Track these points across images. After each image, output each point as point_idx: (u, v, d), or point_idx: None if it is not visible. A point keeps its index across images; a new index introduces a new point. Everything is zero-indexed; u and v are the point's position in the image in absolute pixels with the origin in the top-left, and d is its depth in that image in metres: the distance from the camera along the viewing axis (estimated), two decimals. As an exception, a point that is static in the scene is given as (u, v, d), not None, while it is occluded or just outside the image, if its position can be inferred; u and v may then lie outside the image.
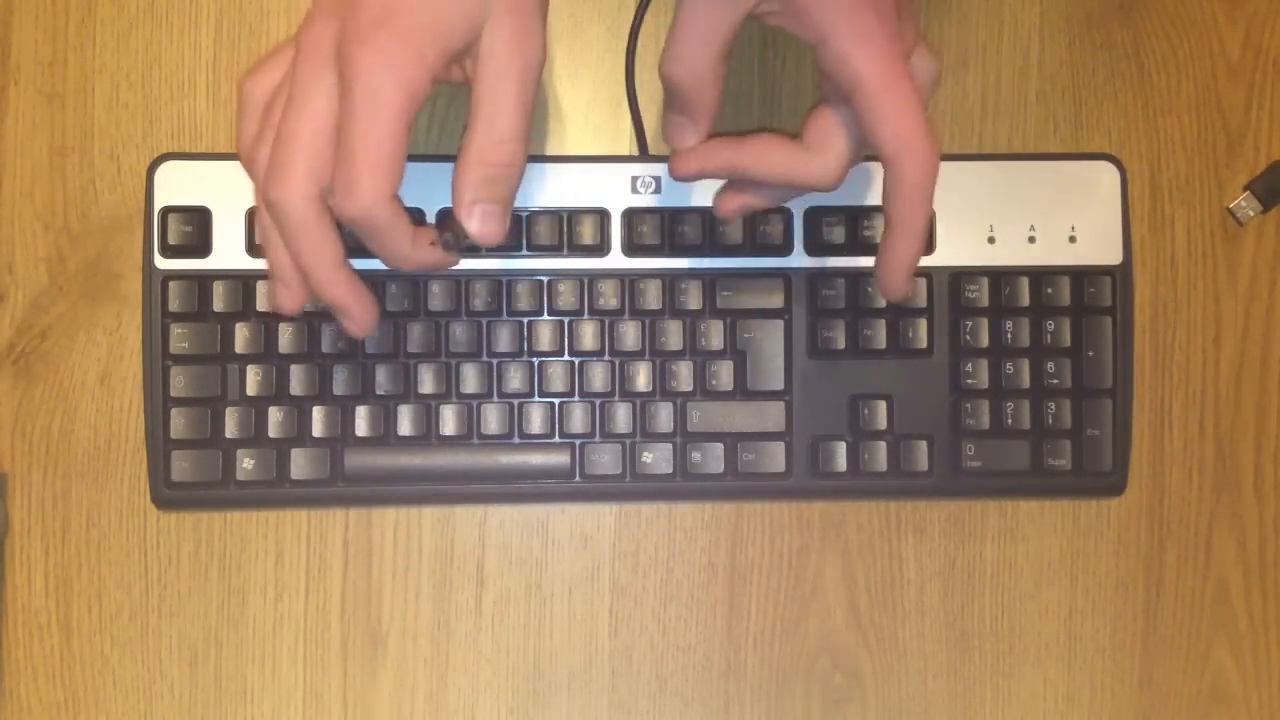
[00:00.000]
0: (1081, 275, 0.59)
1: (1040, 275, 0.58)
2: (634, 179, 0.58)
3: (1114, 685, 0.61)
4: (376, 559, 0.59)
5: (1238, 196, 0.62)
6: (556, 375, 0.57)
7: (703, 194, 0.58)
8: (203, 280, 0.57)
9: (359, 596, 0.59)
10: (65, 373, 0.59)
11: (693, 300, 0.58)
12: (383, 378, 0.57)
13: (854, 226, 0.58)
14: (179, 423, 0.56)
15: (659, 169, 0.58)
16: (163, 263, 0.57)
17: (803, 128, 0.48)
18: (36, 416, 0.59)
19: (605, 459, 0.57)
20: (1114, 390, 0.59)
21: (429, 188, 0.55)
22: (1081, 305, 0.58)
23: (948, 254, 0.58)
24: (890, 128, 0.45)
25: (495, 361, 0.57)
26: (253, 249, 0.57)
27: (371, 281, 0.50)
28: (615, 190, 0.58)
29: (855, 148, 0.48)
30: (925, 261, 0.58)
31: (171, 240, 0.57)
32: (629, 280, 0.58)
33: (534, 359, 0.57)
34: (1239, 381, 0.62)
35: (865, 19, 0.44)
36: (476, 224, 0.45)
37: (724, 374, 0.58)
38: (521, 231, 0.57)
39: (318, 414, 0.57)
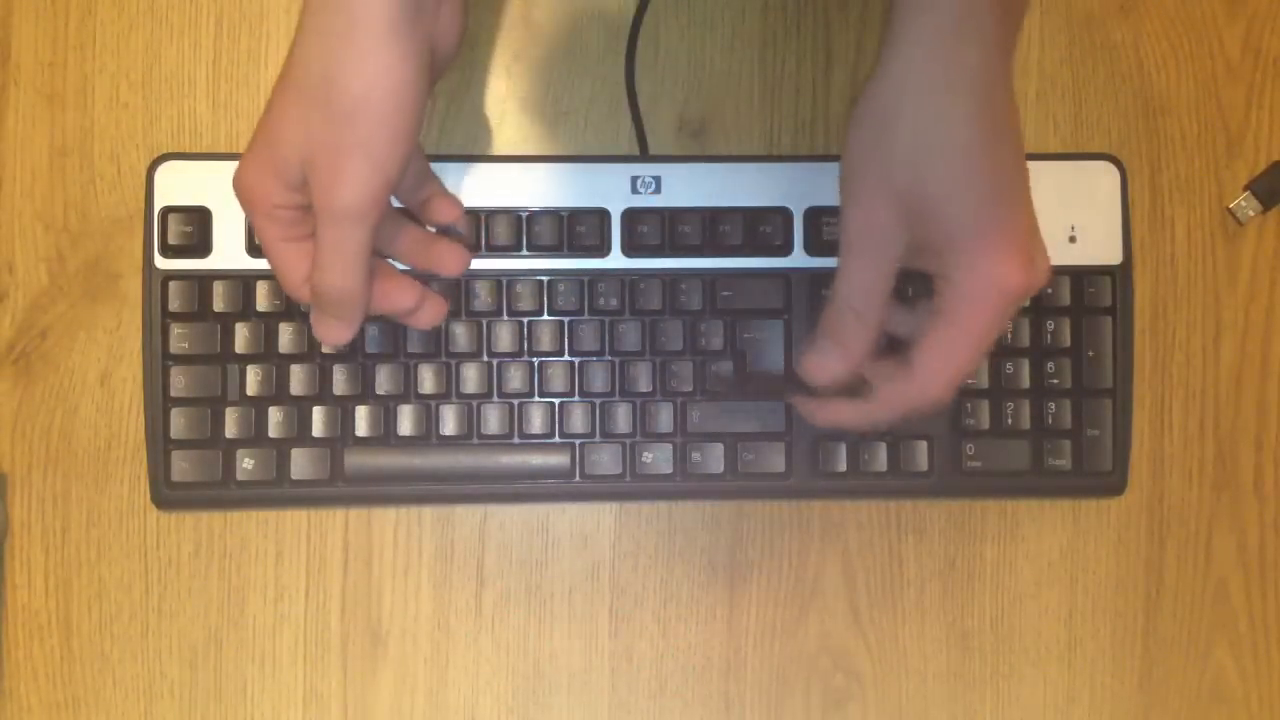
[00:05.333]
0: (1081, 275, 0.59)
1: (1040, 275, 0.58)
2: (634, 179, 0.58)
3: (1114, 685, 0.61)
4: (376, 559, 0.59)
5: (1238, 196, 0.62)
6: (556, 375, 0.57)
7: (703, 194, 0.58)
8: (203, 280, 0.57)
9: (359, 596, 0.59)
10: (65, 373, 0.59)
11: (693, 300, 0.58)
12: (383, 378, 0.57)
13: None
14: (179, 423, 0.56)
15: (659, 169, 0.58)
16: (163, 263, 0.57)
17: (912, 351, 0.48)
18: (36, 416, 0.59)
19: (605, 459, 0.57)
20: (1114, 390, 0.59)
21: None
22: (1081, 305, 0.58)
23: (948, 254, 0.58)
24: (936, 361, 0.47)
25: (495, 361, 0.57)
26: (253, 249, 0.57)
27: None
28: (615, 190, 0.58)
29: (961, 361, 0.48)
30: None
31: (171, 240, 0.57)
32: (629, 280, 0.58)
33: (534, 359, 0.57)
34: (1239, 381, 0.62)
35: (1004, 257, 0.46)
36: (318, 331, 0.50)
37: (723, 382, 0.57)
38: (521, 231, 0.57)
39: (318, 414, 0.57)
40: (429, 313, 0.53)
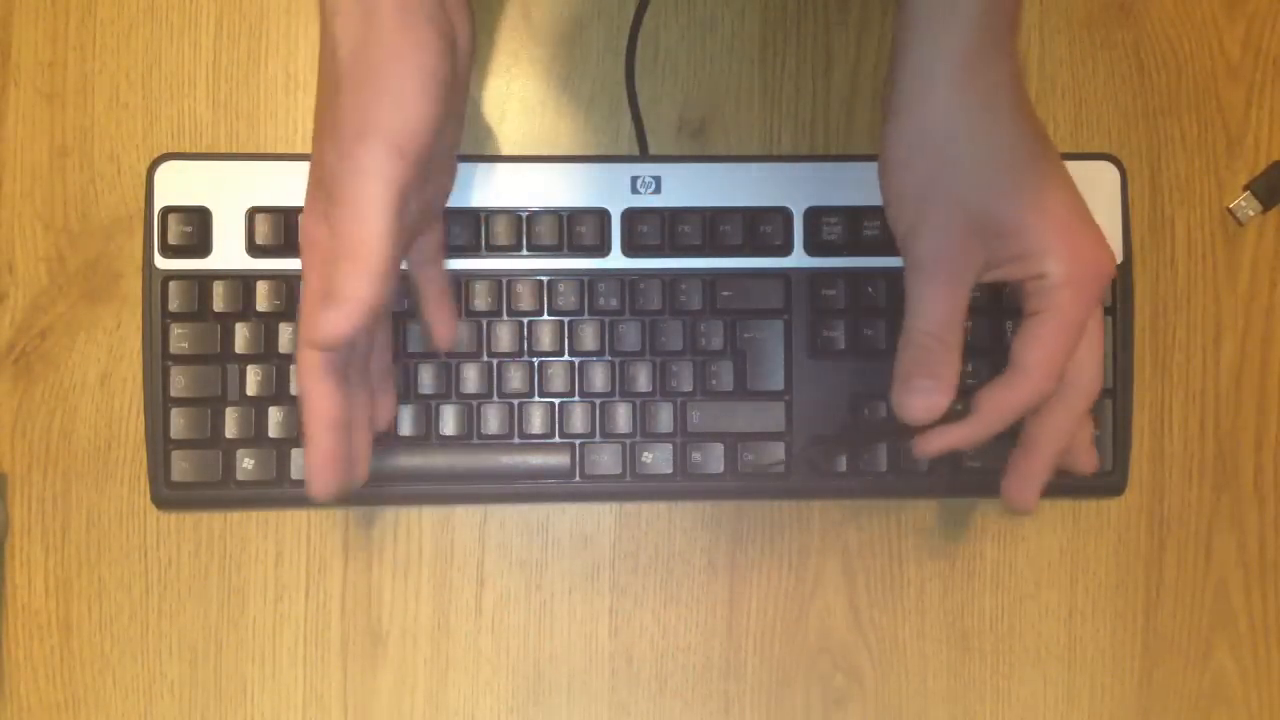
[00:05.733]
0: (1081, 275, 0.59)
1: (1040, 275, 0.58)
2: (634, 179, 0.58)
3: (1114, 685, 0.61)
4: (376, 559, 0.59)
5: (1238, 196, 0.62)
6: (557, 375, 0.57)
7: (703, 194, 0.58)
8: (203, 280, 0.57)
9: (359, 596, 0.59)
10: (65, 373, 0.59)
11: (693, 300, 0.58)
12: (383, 378, 0.57)
13: (854, 226, 0.58)
14: (179, 423, 0.56)
15: (659, 169, 0.58)
16: (163, 263, 0.57)
17: (1012, 351, 0.49)
18: (36, 416, 0.59)
19: (605, 459, 0.57)
20: (1114, 390, 0.59)
21: (429, 188, 0.55)
22: (1081, 305, 0.58)
23: (948, 254, 0.58)
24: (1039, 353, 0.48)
25: (495, 361, 0.57)
26: (253, 249, 0.57)
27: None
28: (615, 190, 0.58)
29: (1058, 353, 0.48)
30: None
31: (171, 240, 0.57)
32: (629, 280, 0.58)
33: (534, 359, 0.57)
34: (1239, 381, 0.62)
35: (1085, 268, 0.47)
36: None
37: (724, 374, 0.58)
38: (521, 231, 0.57)
39: (318, 414, 0.57)
40: (385, 411, 0.52)
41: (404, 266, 0.54)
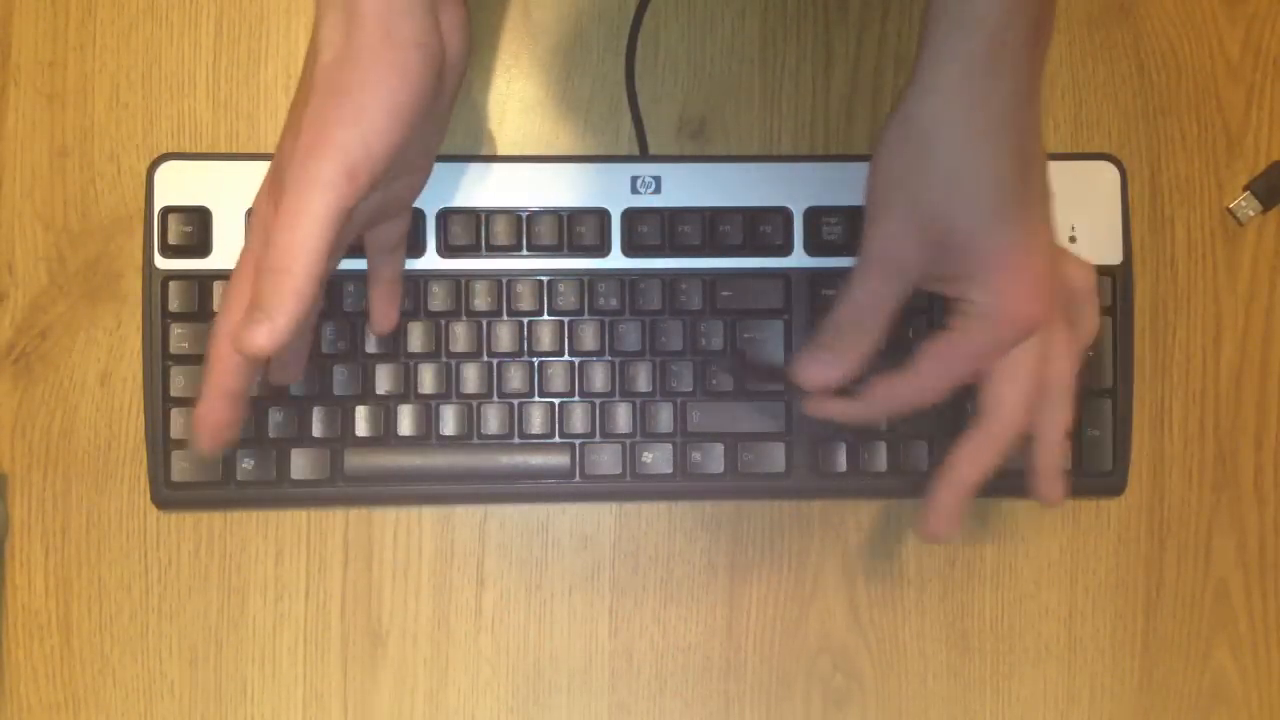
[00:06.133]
0: (1081, 275, 0.59)
1: (1040, 275, 0.58)
2: (634, 179, 0.58)
3: (1114, 685, 0.61)
4: (376, 559, 0.59)
5: (1238, 196, 0.62)
6: (557, 375, 0.57)
7: (703, 194, 0.58)
8: (203, 280, 0.57)
9: (359, 596, 0.59)
10: (65, 373, 0.59)
11: (693, 300, 0.58)
12: (383, 378, 0.57)
13: (854, 226, 0.58)
14: (179, 423, 0.56)
15: (659, 169, 0.58)
16: (163, 263, 0.57)
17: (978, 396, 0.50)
18: (36, 416, 0.59)
19: (605, 459, 0.57)
20: (1114, 390, 0.59)
21: (428, 188, 0.55)
22: (1081, 305, 0.58)
23: (948, 254, 0.58)
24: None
25: (495, 361, 0.57)
26: (253, 249, 0.57)
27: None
28: (615, 190, 0.58)
29: (1025, 390, 0.49)
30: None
31: (171, 240, 0.57)
32: (629, 280, 0.58)
33: (534, 359, 0.57)
34: (1239, 381, 0.62)
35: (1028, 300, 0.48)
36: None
37: (724, 374, 0.57)
38: (521, 231, 0.57)
39: (318, 414, 0.57)
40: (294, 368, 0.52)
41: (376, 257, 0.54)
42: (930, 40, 0.47)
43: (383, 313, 0.55)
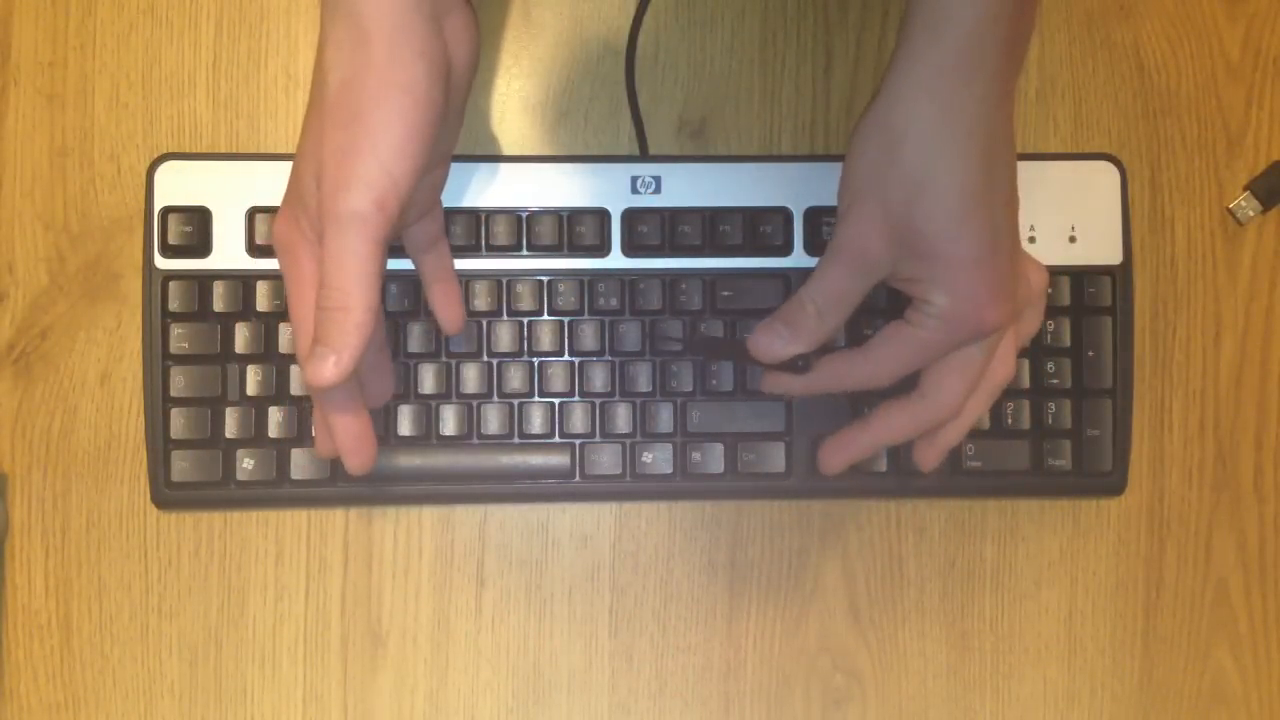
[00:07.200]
0: (1081, 275, 0.59)
1: (1040, 275, 0.58)
2: (634, 179, 0.58)
3: (1114, 685, 0.61)
4: (376, 559, 0.59)
5: (1238, 196, 0.62)
6: (557, 375, 0.57)
7: (703, 194, 0.58)
8: (203, 280, 0.57)
9: (359, 596, 0.59)
10: (65, 373, 0.59)
11: (693, 300, 0.58)
12: (383, 378, 0.57)
13: (854, 226, 0.58)
14: (179, 423, 0.56)
15: (659, 169, 0.58)
16: (163, 263, 0.57)
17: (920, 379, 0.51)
18: (36, 416, 0.59)
19: (605, 459, 0.57)
20: (1114, 390, 0.59)
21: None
22: (1081, 305, 0.58)
23: (948, 254, 0.58)
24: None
25: (495, 361, 0.57)
26: (253, 249, 0.57)
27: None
28: (615, 190, 0.58)
29: (970, 385, 0.51)
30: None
31: (171, 240, 0.57)
32: (629, 280, 0.58)
33: (534, 359, 0.57)
34: (1239, 381, 0.62)
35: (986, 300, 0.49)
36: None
37: (724, 374, 0.57)
38: (521, 231, 0.57)
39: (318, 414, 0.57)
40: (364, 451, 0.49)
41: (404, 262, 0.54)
42: (904, 42, 0.47)
43: (447, 312, 0.55)
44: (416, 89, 0.44)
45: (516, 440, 0.57)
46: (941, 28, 0.46)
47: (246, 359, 0.57)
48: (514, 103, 0.61)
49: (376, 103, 0.44)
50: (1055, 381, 0.58)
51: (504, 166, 0.58)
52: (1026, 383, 0.58)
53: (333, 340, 0.44)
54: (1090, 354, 0.58)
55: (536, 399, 0.57)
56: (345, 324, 0.44)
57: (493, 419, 0.57)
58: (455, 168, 0.57)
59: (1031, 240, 0.58)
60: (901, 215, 0.47)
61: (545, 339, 0.57)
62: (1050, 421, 0.58)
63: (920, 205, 0.47)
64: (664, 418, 0.57)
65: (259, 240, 0.57)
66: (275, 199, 0.56)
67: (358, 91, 0.44)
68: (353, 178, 0.44)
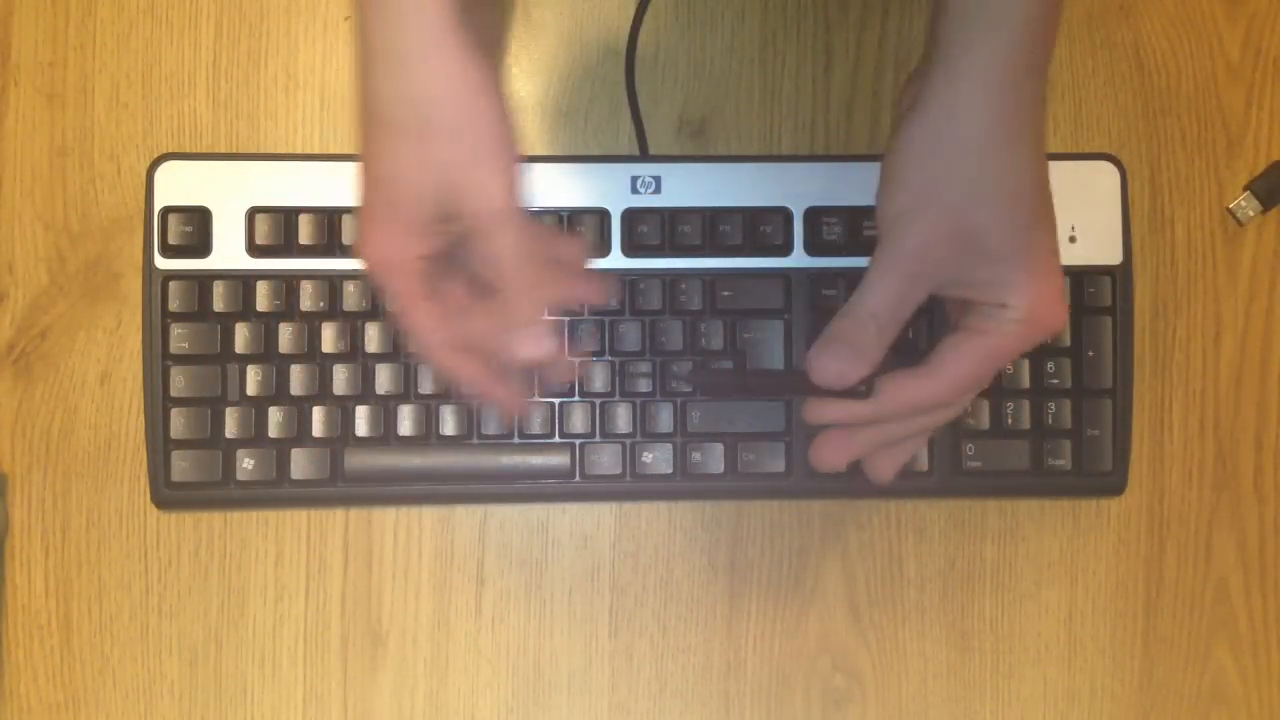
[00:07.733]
0: (1081, 275, 0.59)
1: (1040, 275, 0.58)
2: (634, 179, 0.58)
3: (1114, 685, 0.61)
4: (376, 559, 0.59)
5: (1238, 196, 0.62)
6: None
7: (703, 194, 0.58)
8: (203, 280, 0.57)
9: (359, 596, 0.59)
10: (65, 373, 0.59)
11: (693, 300, 0.58)
12: (383, 378, 0.57)
13: (854, 226, 0.58)
14: (179, 423, 0.56)
15: (659, 169, 0.58)
16: (163, 263, 0.57)
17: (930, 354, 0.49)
18: (36, 416, 0.59)
19: (605, 459, 0.57)
20: (1114, 390, 0.59)
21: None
22: (1081, 305, 0.58)
23: (948, 254, 0.58)
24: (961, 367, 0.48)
25: (495, 361, 0.57)
26: (253, 249, 0.57)
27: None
28: (615, 190, 0.58)
29: (979, 372, 0.49)
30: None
31: (171, 240, 0.57)
32: (629, 280, 0.58)
33: (534, 359, 0.57)
34: (1239, 381, 0.62)
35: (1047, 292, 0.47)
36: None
37: (724, 380, 0.57)
38: (521, 231, 0.57)
39: (318, 414, 0.57)
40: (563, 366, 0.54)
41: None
42: (951, 44, 0.46)
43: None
44: (492, 90, 0.45)
45: (516, 440, 0.57)
46: (996, 33, 0.46)
47: (246, 359, 0.57)
48: (513, 103, 0.61)
49: (473, 115, 0.44)
50: (1055, 381, 0.58)
51: (504, 166, 0.58)
52: (1026, 383, 0.58)
53: (530, 318, 0.47)
54: (1090, 354, 0.58)
55: (536, 399, 0.57)
56: (536, 308, 0.47)
57: (493, 419, 0.57)
58: (455, 168, 0.57)
59: (1031, 240, 0.58)
60: (971, 223, 0.46)
61: (545, 339, 0.57)
62: (1050, 421, 0.58)
63: (989, 209, 0.46)
64: (664, 418, 0.57)
65: (259, 240, 0.57)
66: (275, 199, 0.57)
67: (442, 106, 0.44)
68: (493, 179, 0.45)
